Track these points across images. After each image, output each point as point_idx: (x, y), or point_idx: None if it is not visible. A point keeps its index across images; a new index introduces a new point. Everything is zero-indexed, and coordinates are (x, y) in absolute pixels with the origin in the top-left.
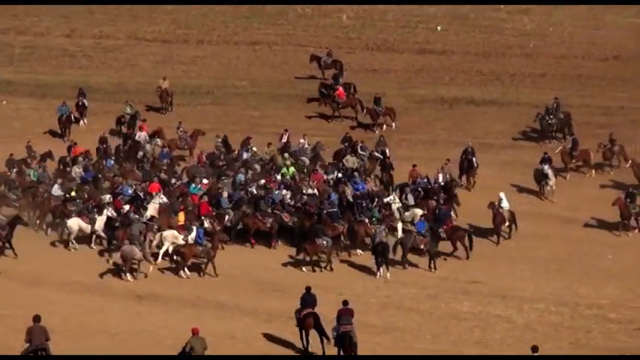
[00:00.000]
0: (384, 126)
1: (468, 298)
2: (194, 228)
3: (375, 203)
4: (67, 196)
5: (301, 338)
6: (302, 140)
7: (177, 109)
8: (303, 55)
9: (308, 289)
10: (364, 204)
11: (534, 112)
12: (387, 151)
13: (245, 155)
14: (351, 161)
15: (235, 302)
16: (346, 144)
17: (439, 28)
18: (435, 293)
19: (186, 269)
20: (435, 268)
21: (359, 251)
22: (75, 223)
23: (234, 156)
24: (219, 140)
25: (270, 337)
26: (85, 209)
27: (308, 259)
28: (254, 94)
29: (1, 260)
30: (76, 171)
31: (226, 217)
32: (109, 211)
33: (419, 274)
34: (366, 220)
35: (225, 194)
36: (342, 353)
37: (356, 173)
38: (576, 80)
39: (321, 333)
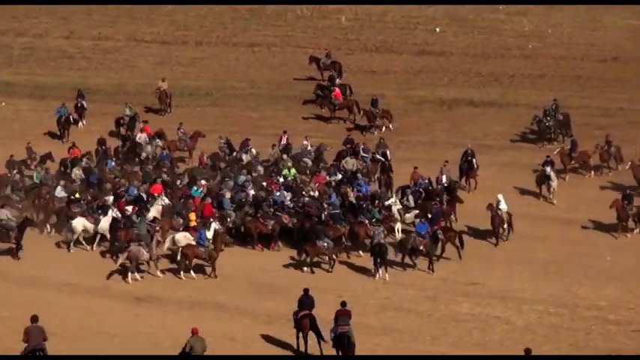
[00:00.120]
0: (383, 128)
1: (467, 300)
2: (206, 230)
3: (375, 204)
4: (72, 197)
5: (297, 339)
6: (305, 142)
7: (176, 111)
8: (302, 57)
9: (306, 290)
10: (364, 205)
11: (533, 113)
12: (388, 153)
13: (244, 157)
14: (350, 163)
15: (234, 304)
16: (348, 145)
17: (438, 29)
18: (434, 295)
19: (190, 271)
20: (432, 270)
21: (360, 252)
22: (79, 223)
23: (239, 157)
24: (223, 141)
25: (269, 339)
26: (90, 209)
27: (308, 260)
28: (253, 95)
29: (1, 261)
30: (76, 173)
31: (228, 219)
32: (114, 212)
33: (418, 275)
34: (367, 222)
35: (227, 195)
36: (340, 354)
37: (359, 175)
38: (575, 81)
39: (318, 334)
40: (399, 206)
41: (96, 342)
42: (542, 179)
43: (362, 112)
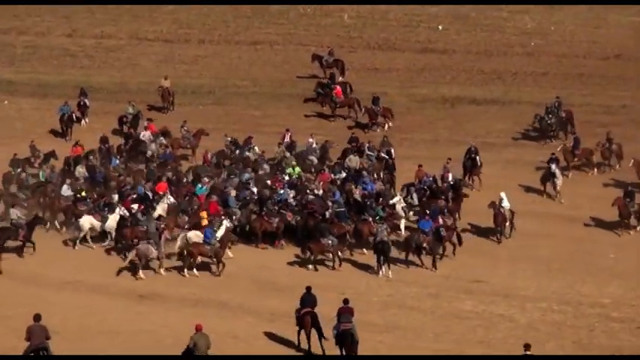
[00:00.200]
0: (386, 126)
1: (470, 297)
2: (217, 229)
3: (379, 202)
4: (78, 196)
5: (298, 336)
6: (310, 139)
7: (179, 109)
8: (304, 55)
9: (308, 288)
10: (368, 203)
11: (536, 111)
12: (393, 151)
13: (246, 155)
14: (354, 161)
15: (237, 302)
16: (353, 144)
17: (441, 27)
18: (437, 292)
19: (194, 269)
20: (435, 268)
21: (364, 250)
22: (87, 221)
23: (245, 155)
24: (229, 139)
25: (272, 337)
26: (97, 207)
27: (312, 258)
28: (255, 93)
29: (4, 260)
30: (80, 171)
31: (234, 217)
32: (121, 210)
33: (421, 273)
34: (370, 219)
35: (233, 193)
36: (343, 352)
37: (365, 173)
38: (578, 79)
39: (319, 331)
40: (403, 204)
41: (98, 340)
42: (548, 177)
43: (363, 110)
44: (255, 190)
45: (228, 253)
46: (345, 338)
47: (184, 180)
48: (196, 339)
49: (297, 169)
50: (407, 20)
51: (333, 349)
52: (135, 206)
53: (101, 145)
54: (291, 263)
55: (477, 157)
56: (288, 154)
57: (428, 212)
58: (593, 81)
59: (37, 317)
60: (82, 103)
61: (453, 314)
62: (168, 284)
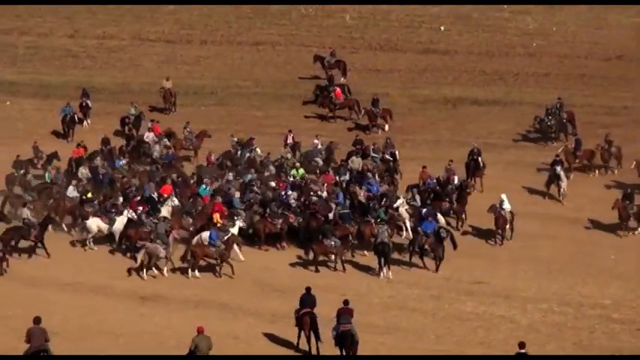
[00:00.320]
0: (386, 127)
1: (471, 299)
2: (231, 229)
3: (382, 203)
4: (84, 197)
5: (298, 338)
6: (315, 141)
7: (181, 110)
8: (306, 56)
9: (308, 289)
10: (371, 204)
11: (538, 112)
12: (397, 153)
13: (248, 156)
14: (356, 162)
15: (238, 303)
16: (357, 146)
17: (442, 28)
18: (439, 294)
19: (196, 270)
20: (436, 270)
21: (365, 252)
22: (94, 223)
23: (253, 157)
24: (235, 140)
25: (273, 338)
26: (104, 209)
27: (315, 259)
28: (257, 94)
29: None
30: (82, 172)
31: (237, 218)
32: (129, 212)
33: (422, 274)
34: (372, 221)
35: (237, 194)
36: (343, 352)
37: (369, 174)
38: (579, 80)
39: (316, 334)
40: (407, 207)
41: (100, 341)
42: (552, 179)
43: (363, 112)
44: (256, 189)
45: (240, 256)
46: (345, 339)
47: (192, 181)
48: (198, 341)
49: (301, 170)
50: (409, 21)
51: (333, 350)
52: (140, 208)
53: (102, 147)
54: (292, 264)
55: (479, 159)
56: (289, 156)
57: (432, 214)
58: (594, 82)
59: (37, 320)
60: (84, 104)
61: (454, 316)
62: (171, 286)
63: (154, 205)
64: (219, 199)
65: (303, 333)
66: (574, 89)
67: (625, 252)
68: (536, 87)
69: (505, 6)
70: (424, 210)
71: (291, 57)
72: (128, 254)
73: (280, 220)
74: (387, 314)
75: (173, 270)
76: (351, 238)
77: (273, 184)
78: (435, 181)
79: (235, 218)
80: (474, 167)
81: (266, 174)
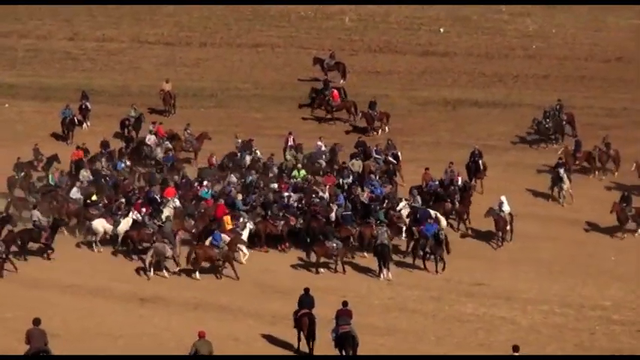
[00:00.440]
0: (385, 129)
1: (471, 300)
2: (242, 231)
3: (384, 205)
4: (89, 201)
5: (298, 340)
6: (319, 143)
7: (181, 112)
8: (305, 58)
9: (306, 290)
10: (373, 206)
11: (537, 114)
12: (399, 154)
13: (248, 158)
14: (356, 165)
15: (238, 304)
16: (359, 148)
17: (442, 29)
18: (439, 295)
19: (196, 272)
20: (437, 271)
21: (365, 253)
22: (100, 224)
23: (258, 159)
24: (240, 141)
25: (273, 340)
26: (109, 211)
27: (316, 260)
28: (257, 96)
29: (6, 262)
30: (84, 174)
31: (240, 219)
32: (134, 214)
33: (422, 276)
34: (373, 223)
35: (239, 197)
36: (343, 353)
37: (372, 176)
38: (579, 82)
39: (313, 335)
40: (409, 210)
41: (100, 343)
42: (556, 181)
43: (361, 114)
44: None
45: (241, 259)
46: (346, 340)
47: (196, 184)
48: (199, 345)
49: (302, 172)
50: (408, 23)
51: (332, 352)
52: (143, 210)
53: (102, 150)
54: (293, 266)
55: (480, 161)
56: (289, 157)
57: (428, 216)
58: (594, 83)
59: (37, 321)
60: (83, 106)
61: (454, 317)
62: (171, 287)
63: (157, 207)
64: (222, 202)
65: (302, 334)
66: (574, 91)
67: (625, 253)
68: (536, 89)
69: (504, 8)
70: (419, 211)
71: (290, 59)
72: (128, 256)
73: (281, 223)
74: (387, 316)
75: (177, 272)
76: (352, 239)
77: (275, 185)
78: (437, 182)
79: (246, 221)
80: (474, 169)
81: (270, 175)
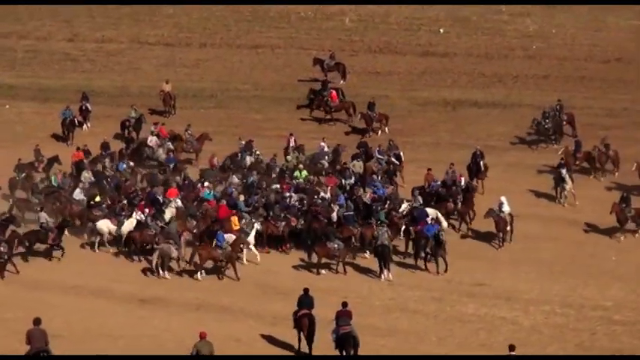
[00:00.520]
0: (385, 130)
1: (472, 301)
2: (250, 231)
3: (386, 206)
4: (92, 202)
5: (299, 341)
6: (322, 143)
7: (180, 113)
8: (305, 58)
9: (306, 290)
10: (374, 207)
11: (537, 114)
12: (402, 154)
13: (248, 159)
14: (357, 166)
15: (239, 305)
16: (361, 149)
17: (441, 30)
18: (440, 296)
19: (198, 273)
20: (438, 272)
21: (366, 254)
22: (104, 225)
23: (261, 160)
24: (243, 142)
25: (274, 340)
26: (113, 212)
27: (317, 261)
28: (257, 97)
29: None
30: (85, 176)
31: (242, 220)
32: (138, 215)
33: (423, 276)
34: (374, 223)
35: (241, 197)
36: (344, 353)
37: (375, 176)
38: (579, 82)
39: (311, 335)
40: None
41: (100, 344)
42: (558, 182)
43: (360, 116)
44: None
45: (243, 259)
46: (347, 341)
47: (199, 185)
48: (200, 346)
49: (304, 172)
50: (408, 23)
51: (333, 353)
52: (146, 210)
53: (102, 151)
54: (294, 267)
55: (481, 162)
56: (289, 158)
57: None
58: (594, 84)
59: (37, 321)
60: (83, 107)
61: (455, 318)
62: (171, 288)
63: (159, 207)
64: (224, 202)
65: (302, 334)
66: (573, 91)
67: (626, 253)
68: (536, 89)
69: (504, 8)
70: (416, 211)
71: (290, 60)
72: (129, 257)
73: (283, 224)
74: (388, 316)
75: (179, 272)
76: (353, 240)
77: (277, 186)
78: (439, 182)
79: (253, 221)
80: (475, 170)
81: (273, 176)
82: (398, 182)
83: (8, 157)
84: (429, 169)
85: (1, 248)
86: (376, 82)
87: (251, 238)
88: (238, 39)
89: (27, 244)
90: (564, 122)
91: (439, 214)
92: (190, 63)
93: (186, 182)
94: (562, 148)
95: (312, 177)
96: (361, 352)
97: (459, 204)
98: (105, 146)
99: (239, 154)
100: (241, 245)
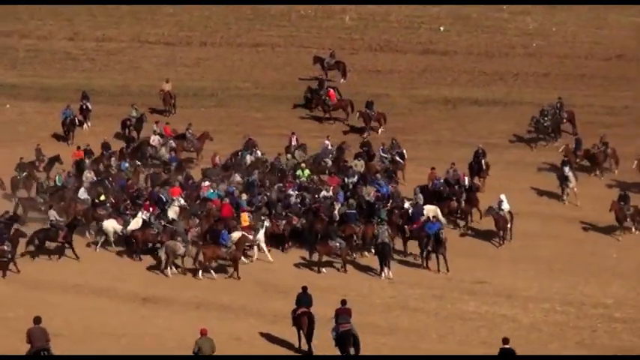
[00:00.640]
0: (380, 130)
1: (473, 298)
2: (260, 229)
3: (388, 204)
4: (97, 201)
5: (299, 339)
6: (326, 142)
7: (181, 111)
8: (306, 57)
9: (304, 288)
10: (377, 206)
11: (537, 112)
12: (405, 152)
13: (248, 157)
14: (359, 165)
15: (240, 304)
16: (364, 148)
17: (442, 28)
18: (441, 293)
19: (199, 272)
20: (438, 270)
21: (366, 253)
22: (110, 224)
23: (265, 159)
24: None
25: (275, 339)
26: (117, 211)
27: (318, 259)
28: (257, 95)
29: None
30: (87, 176)
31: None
32: (143, 214)
33: (424, 274)
34: (374, 222)
35: (244, 196)
36: (347, 351)
37: (378, 175)
38: (580, 80)
39: (310, 333)
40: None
41: (102, 343)
42: (562, 180)
43: (358, 114)
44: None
45: (242, 258)
46: (347, 339)
47: (202, 184)
48: (201, 343)
49: (307, 171)
50: (408, 22)
51: (333, 351)
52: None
53: (103, 151)
54: (295, 265)
55: (483, 161)
56: (289, 156)
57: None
58: (595, 82)
59: (37, 320)
60: (84, 106)
61: (456, 315)
62: (172, 287)
63: (163, 206)
64: (227, 201)
65: (302, 333)
66: (574, 89)
67: (626, 251)
68: (536, 87)
69: (504, 6)
70: (412, 209)
71: (290, 58)
72: (130, 256)
73: (283, 222)
74: (389, 314)
75: (181, 271)
76: (355, 238)
77: (280, 185)
78: (442, 180)
79: (262, 218)
80: (477, 168)
81: (277, 175)
82: (397, 181)
83: (10, 157)
84: (433, 168)
85: (5, 247)
86: (376, 80)
87: (261, 236)
88: (239, 37)
89: (37, 242)
90: (565, 120)
91: (439, 211)
92: (191, 62)
93: (190, 182)
94: (563, 146)
95: (314, 177)
96: (362, 350)
97: (463, 203)
98: (106, 146)
99: (239, 153)
100: (246, 244)
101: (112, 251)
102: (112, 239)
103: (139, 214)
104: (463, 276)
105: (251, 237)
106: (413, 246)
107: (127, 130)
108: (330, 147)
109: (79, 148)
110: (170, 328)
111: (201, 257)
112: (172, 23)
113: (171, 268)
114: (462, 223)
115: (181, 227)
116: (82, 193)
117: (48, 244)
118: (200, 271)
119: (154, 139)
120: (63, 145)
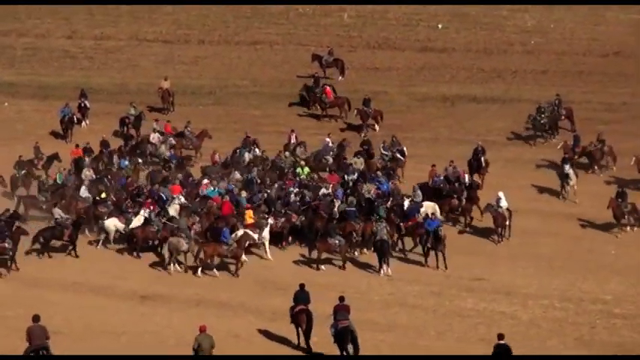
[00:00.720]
0: (375, 127)
1: (472, 295)
2: (265, 227)
3: (388, 202)
4: (98, 198)
5: (298, 336)
6: (327, 139)
7: (179, 109)
8: (304, 54)
9: (302, 285)
10: (376, 203)
11: (535, 109)
12: (405, 149)
13: (247, 155)
14: (358, 163)
15: (239, 301)
16: (365, 146)
17: (440, 25)
18: (439, 290)
19: (199, 269)
20: (437, 267)
21: (365, 250)
22: (112, 223)
23: (266, 157)
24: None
25: (273, 336)
26: (119, 209)
27: (318, 256)
28: (255, 93)
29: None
30: (86, 174)
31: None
32: (145, 212)
33: (422, 271)
34: (373, 219)
35: (243, 193)
36: (345, 349)
37: (378, 173)
38: (578, 77)
39: (308, 331)
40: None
41: (102, 341)
42: (562, 177)
43: (356, 112)
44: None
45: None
46: (345, 335)
47: (202, 182)
48: (200, 340)
49: (307, 169)
50: (406, 19)
51: (331, 347)
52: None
53: (102, 149)
54: (294, 262)
55: (482, 158)
56: (287, 154)
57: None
58: (593, 78)
59: (36, 318)
60: (82, 104)
61: (454, 312)
62: (171, 285)
63: (163, 204)
64: (227, 198)
65: (300, 330)
66: (572, 86)
67: (625, 247)
68: (535, 84)
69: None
70: (408, 206)
71: (288, 56)
72: (130, 254)
73: (282, 220)
74: (387, 311)
75: (189, 269)
76: (355, 235)
77: (280, 182)
78: (442, 178)
79: (266, 217)
80: (476, 166)
81: (277, 172)
82: (398, 178)
83: (9, 155)
84: (433, 165)
85: (6, 244)
86: (375, 77)
87: (266, 234)
88: (237, 36)
89: (42, 240)
90: (563, 117)
91: (437, 208)
92: (189, 60)
93: (190, 179)
94: (561, 143)
95: (314, 174)
96: (360, 347)
97: (464, 201)
98: (104, 144)
99: (238, 151)
100: (250, 242)
101: (111, 249)
102: (112, 238)
103: (141, 212)
104: (462, 273)
105: (255, 235)
106: (408, 243)
107: (125, 128)
108: (330, 144)
109: (77, 146)
110: (170, 326)
111: (202, 255)
112: (170, 21)
113: (174, 265)
114: (462, 220)
115: (184, 224)
116: (83, 192)
117: (52, 242)
118: (200, 269)
119: (154, 137)
120: (61, 143)
